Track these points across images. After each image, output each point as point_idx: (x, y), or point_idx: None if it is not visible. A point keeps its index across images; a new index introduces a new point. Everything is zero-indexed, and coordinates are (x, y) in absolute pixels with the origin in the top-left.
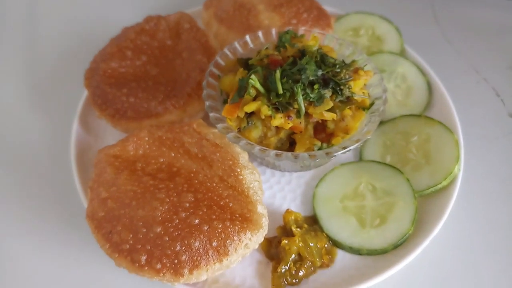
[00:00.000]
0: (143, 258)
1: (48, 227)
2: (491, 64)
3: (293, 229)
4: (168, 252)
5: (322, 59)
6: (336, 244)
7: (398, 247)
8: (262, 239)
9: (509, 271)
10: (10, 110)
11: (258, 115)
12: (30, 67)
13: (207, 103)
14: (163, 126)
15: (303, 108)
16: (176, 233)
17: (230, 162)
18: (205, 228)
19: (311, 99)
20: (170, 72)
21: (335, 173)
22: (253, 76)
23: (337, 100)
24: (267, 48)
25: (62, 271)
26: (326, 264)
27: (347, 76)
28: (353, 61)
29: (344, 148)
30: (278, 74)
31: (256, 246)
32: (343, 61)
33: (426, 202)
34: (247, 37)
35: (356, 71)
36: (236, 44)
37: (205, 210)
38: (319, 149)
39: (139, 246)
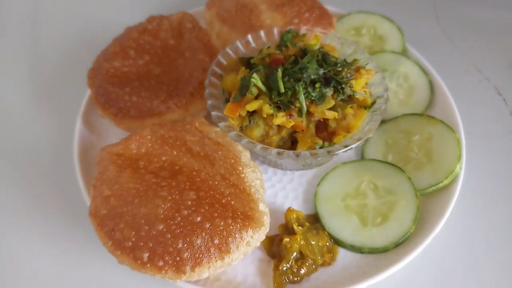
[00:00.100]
0: (146, 255)
1: (51, 224)
2: (493, 63)
3: (295, 227)
4: (170, 249)
5: (323, 58)
6: (337, 242)
7: (400, 245)
8: (264, 237)
9: (510, 270)
10: (14, 109)
11: (260, 113)
12: (34, 67)
13: (209, 102)
14: (165, 124)
15: (305, 107)
16: (178, 231)
17: (232, 161)
18: (207, 225)
19: (312, 98)
20: (173, 72)
21: (336, 171)
22: (255, 75)
23: (339, 98)
24: (269, 47)
25: (65, 268)
26: (328, 263)
27: (348, 75)
28: (355, 60)
29: (346, 146)
30: (279, 73)
31: (258, 244)
32: (345, 60)
33: (428, 200)
34: (249, 37)
35: (357, 69)
36: (238, 44)
37: (207, 208)
38: (321, 147)
39: (142, 244)
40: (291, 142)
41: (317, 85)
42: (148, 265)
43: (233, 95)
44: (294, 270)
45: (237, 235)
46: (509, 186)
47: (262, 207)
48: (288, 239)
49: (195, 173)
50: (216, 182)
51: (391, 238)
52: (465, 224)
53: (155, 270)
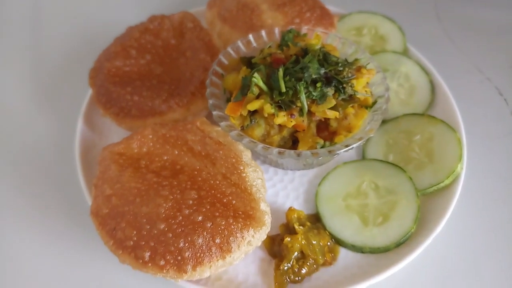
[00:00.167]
0: (147, 254)
1: (52, 224)
2: (494, 63)
3: (296, 227)
4: (171, 248)
5: (324, 58)
6: (338, 242)
7: (401, 245)
8: (265, 237)
9: (511, 269)
10: (15, 109)
11: (261, 113)
12: (35, 67)
13: (210, 101)
14: (167, 124)
15: (306, 106)
16: (180, 230)
17: (233, 160)
18: (208, 225)
19: (313, 97)
20: (174, 71)
21: (338, 171)
22: (256, 75)
23: (340, 98)
24: (270, 46)
25: (66, 267)
26: (329, 262)
27: (349, 75)
28: (356, 60)
29: (347, 146)
30: (281, 72)
31: (259, 244)
32: (346, 60)
33: (429, 200)
34: (250, 36)
35: (358, 69)
36: (239, 43)
37: (208, 207)
38: (322, 147)
39: (143, 243)
40: (292, 142)
41: (318, 84)
42: (150, 264)
43: (234, 94)
44: (295, 269)
45: (238, 235)
46: (510, 186)
47: (263, 206)
48: (289, 239)
49: (196, 172)
50: (217, 182)
51: (392, 238)
52: (466, 224)
53: (156, 269)
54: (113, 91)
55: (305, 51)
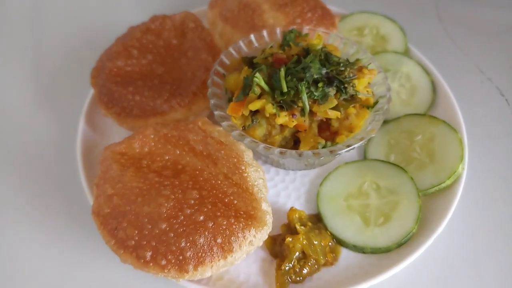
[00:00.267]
0: (148, 254)
1: (54, 223)
2: (496, 63)
3: (297, 227)
4: (173, 248)
5: (326, 58)
6: (340, 242)
7: (402, 245)
8: (266, 237)
9: None
10: (17, 109)
11: (263, 113)
12: (37, 66)
13: (212, 101)
14: (168, 124)
15: (307, 106)
16: (181, 230)
17: (235, 160)
18: (210, 224)
19: (315, 97)
20: (176, 71)
21: (339, 171)
22: (257, 75)
23: (341, 98)
24: (271, 47)
25: (68, 267)
26: (330, 262)
27: (351, 75)
28: (357, 60)
29: (348, 146)
30: (282, 72)
31: (260, 243)
32: (347, 60)
33: (430, 201)
34: (252, 36)
35: (360, 69)
36: (241, 43)
37: (209, 207)
38: (323, 147)
39: (144, 243)
40: (294, 142)
41: (320, 84)
42: (151, 264)
43: (236, 94)
44: (297, 269)
45: (239, 235)
46: (511, 186)
47: (264, 206)
48: (290, 239)
49: (198, 172)
50: (219, 181)
51: (393, 238)
52: (468, 224)
53: (158, 269)
54: (115, 91)
55: (306, 51)
